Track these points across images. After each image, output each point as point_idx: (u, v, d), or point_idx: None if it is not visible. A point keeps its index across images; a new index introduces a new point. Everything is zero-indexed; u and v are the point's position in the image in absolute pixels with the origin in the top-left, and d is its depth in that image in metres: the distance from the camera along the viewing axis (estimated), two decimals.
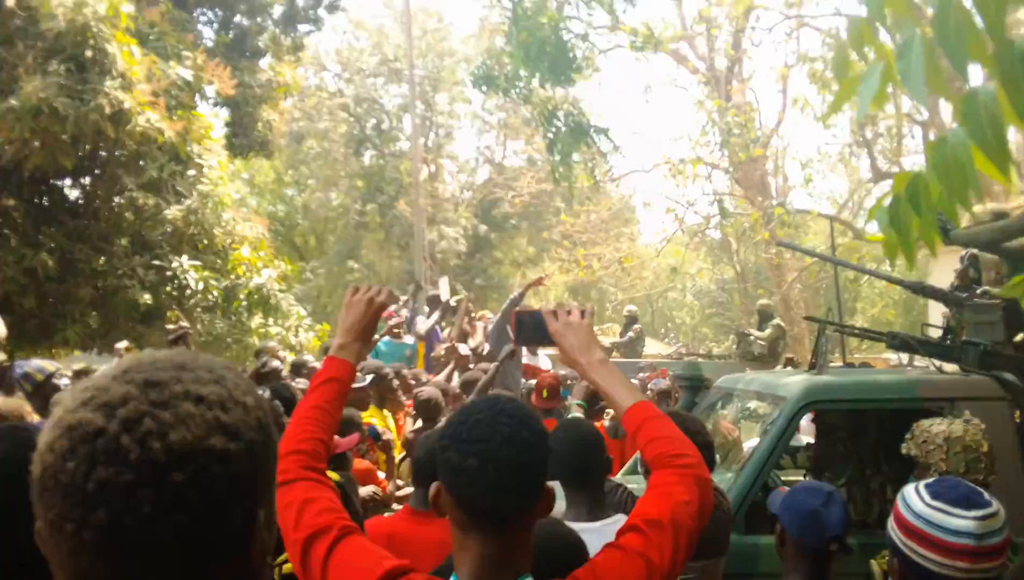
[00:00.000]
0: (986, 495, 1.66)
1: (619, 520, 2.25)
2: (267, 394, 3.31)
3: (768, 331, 10.48)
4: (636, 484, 4.39)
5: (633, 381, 6.50)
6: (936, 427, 2.73)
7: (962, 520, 1.59)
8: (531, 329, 1.69)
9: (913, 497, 1.68)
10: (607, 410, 4.80)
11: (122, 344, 6.71)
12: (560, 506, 2.39)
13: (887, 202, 1.06)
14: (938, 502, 1.62)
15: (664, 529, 1.33)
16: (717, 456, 4.34)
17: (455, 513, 1.29)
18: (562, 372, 5.86)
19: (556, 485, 2.11)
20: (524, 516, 1.30)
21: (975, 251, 4.01)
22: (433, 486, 1.34)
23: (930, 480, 1.73)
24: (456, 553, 1.31)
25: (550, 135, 9.89)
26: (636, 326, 11.70)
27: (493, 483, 1.24)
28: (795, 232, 18.10)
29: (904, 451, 2.81)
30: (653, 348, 15.69)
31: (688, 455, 1.45)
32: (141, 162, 8.94)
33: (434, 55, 20.65)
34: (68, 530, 0.67)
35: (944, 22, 0.85)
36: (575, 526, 1.97)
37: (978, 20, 0.84)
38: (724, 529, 2.48)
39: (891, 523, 1.71)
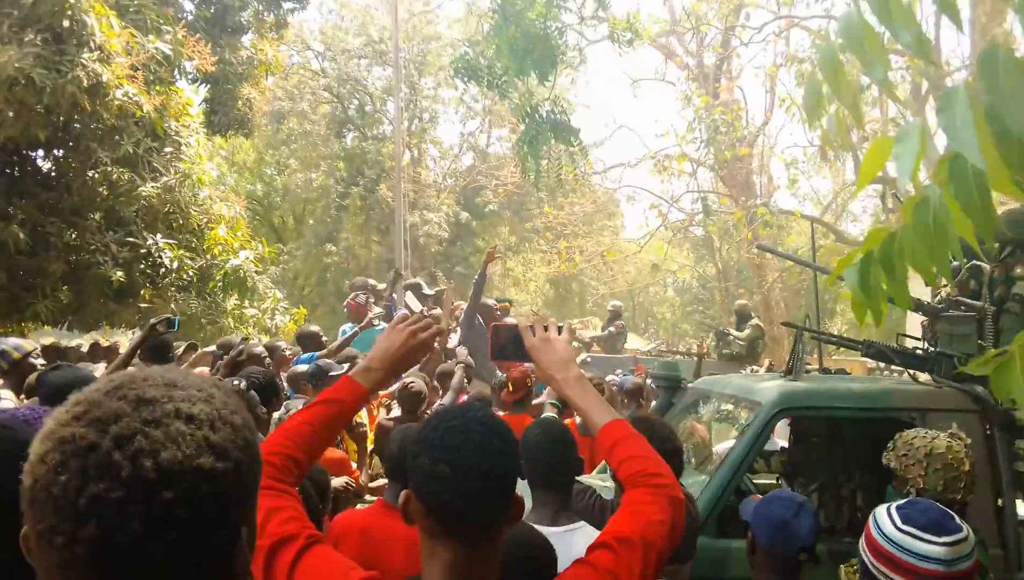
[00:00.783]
0: (957, 520, 1.65)
1: (580, 527, 2.23)
2: (242, 384, 3.24)
3: (747, 331, 10.54)
4: (608, 483, 4.40)
5: (612, 377, 6.50)
6: (919, 441, 2.69)
7: (932, 546, 1.58)
8: (508, 344, 1.67)
9: (884, 520, 1.67)
10: None
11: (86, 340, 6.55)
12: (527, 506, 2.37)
13: (857, 258, 1.02)
14: (908, 526, 1.61)
15: (635, 547, 1.32)
16: (693, 459, 4.35)
17: (424, 521, 1.28)
18: None
19: (523, 486, 2.08)
20: (493, 525, 1.28)
21: (976, 262, 4.01)
22: (403, 494, 1.32)
23: (902, 502, 1.72)
24: (424, 561, 1.30)
25: (522, 129, 9.83)
26: (619, 321, 11.72)
27: (464, 491, 1.23)
28: (778, 232, 18.23)
29: (884, 461, 2.79)
30: (633, 343, 15.74)
31: (663, 475, 1.44)
32: (117, 137, 8.74)
33: (420, 38, 20.44)
34: (58, 543, 0.68)
35: (992, 75, 0.80)
36: (541, 530, 1.94)
37: None
38: (691, 535, 2.46)
39: (862, 544, 1.70)
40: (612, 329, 11.44)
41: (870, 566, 1.65)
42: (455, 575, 1.25)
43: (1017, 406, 2.86)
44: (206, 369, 4.50)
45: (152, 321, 4.39)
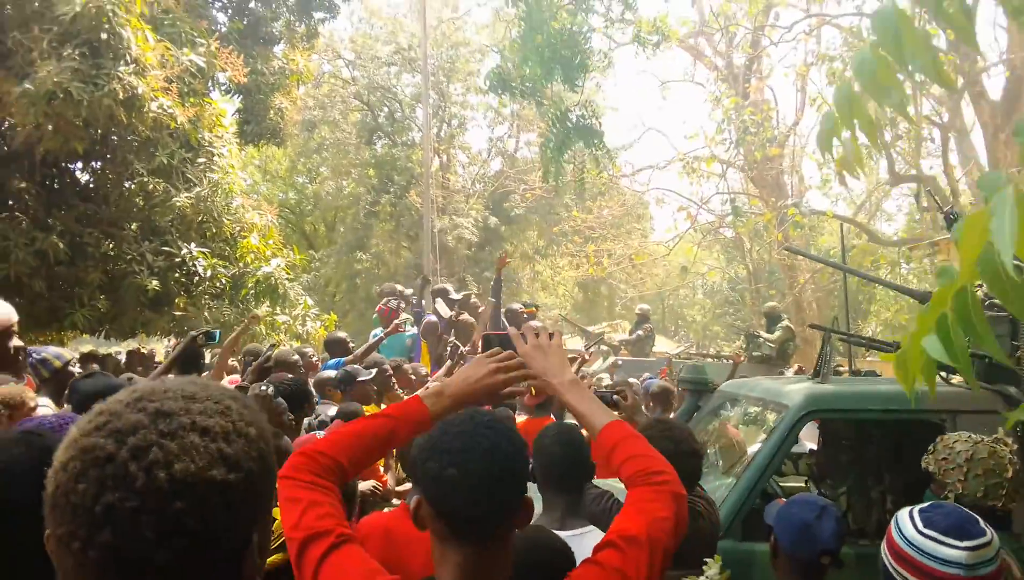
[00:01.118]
0: (981, 524, 1.62)
1: (590, 531, 2.23)
2: (269, 389, 3.30)
3: (777, 333, 10.41)
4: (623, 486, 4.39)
5: (633, 380, 6.46)
6: (960, 445, 2.61)
7: (953, 550, 1.56)
8: (499, 347, 1.67)
9: (906, 523, 1.65)
10: None
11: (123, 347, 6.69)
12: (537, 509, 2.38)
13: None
14: (930, 530, 1.59)
15: (641, 546, 1.33)
16: (720, 461, 4.32)
17: (435, 524, 1.30)
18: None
19: (532, 489, 2.09)
20: (503, 527, 1.31)
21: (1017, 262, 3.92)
22: (413, 499, 1.34)
23: (925, 505, 1.70)
24: (436, 565, 1.32)
25: (551, 135, 9.80)
26: (647, 325, 11.66)
27: (472, 493, 1.25)
28: (810, 233, 17.98)
29: (923, 465, 2.73)
30: (663, 346, 15.64)
31: (664, 472, 1.45)
32: (152, 149, 8.95)
33: (448, 45, 20.57)
34: (75, 547, 0.72)
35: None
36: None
37: None
38: (708, 540, 2.45)
39: (884, 547, 1.68)
40: (640, 332, 11.38)
41: (890, 568, 1.63)
42: (465, 576, 1.27)
43: None
44: (236, 376, 4.57)
45: (193, 333, 4.49)
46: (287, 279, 9.77)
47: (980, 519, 1.64)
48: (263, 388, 3.21)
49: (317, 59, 19.26)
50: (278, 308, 9.71)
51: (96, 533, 0.71)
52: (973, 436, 2.71)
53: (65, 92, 7.68)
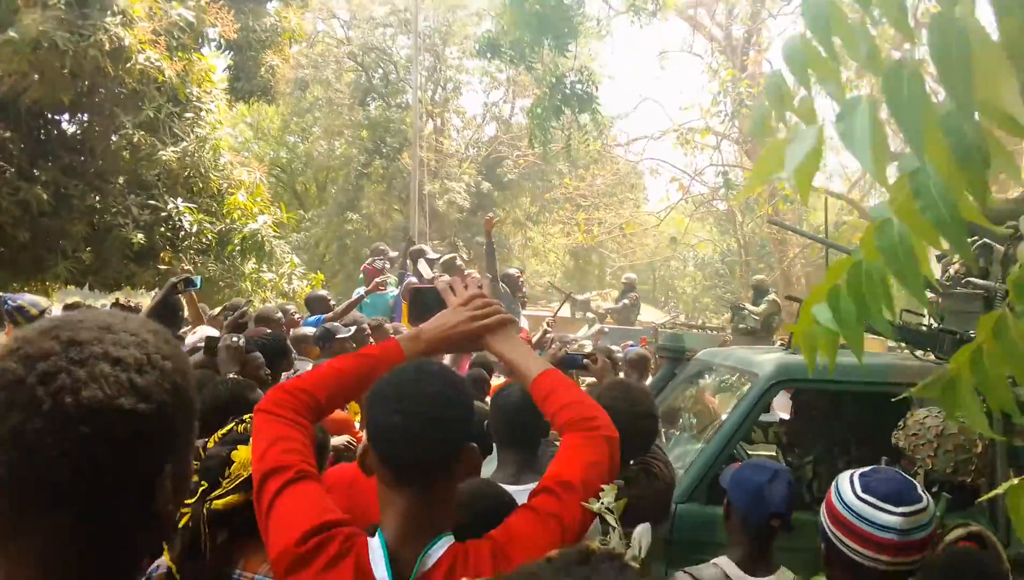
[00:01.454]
0: (918, 490, 1.66)
1: None
2: (241, 341, 3.30)
3: (763, 306, 10.47)
4: None
5: (615, 348, 6.49)
6: (930, 421, 2.61)
7: (889, 515, 1.59)
8: (432, 305, 1.66)
9: (846, 487, 1.68)
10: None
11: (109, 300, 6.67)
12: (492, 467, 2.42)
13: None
14: (868, 495, 1.62)
15: (575, 491, 1.35)
16: (695, 427, 4.38)
17: (379, 470, 1.32)
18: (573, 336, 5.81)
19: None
20: (446, 474, 1.33)
21: (985, 240, 3.93)
22: (360, 445, 1.36)
23: (865, 470, 1.73)
24: (381, 511, 1.35)
25: (546, 102, 9.70)
26: (632, 294, 11.70)
27: (415, 439, 1.27)
28: (802, 208, 17.94)
29: (894, 441, 2.73)
30: (652, 316, 15.70)
31: (597, 418, 1.47)
32: (139, 102, 8.84)
33: (446, 8, 20.27)
34: None
35: (897, 88, 0.75)
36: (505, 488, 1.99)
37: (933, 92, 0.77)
38: (663, 499, 2.49)
39: (823, 509, 1.72)
40: (626, 301, 11.43)
41: (828, 531, 1.67)
42: (408, 521, 1.29)
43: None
44: (209, 329, 4.59)
45: (173, 280, 4.49)
46: (274, 237, 9.73)
47: (919, 485, 1.68)
48: (234, 339, 3.22)
49: (311, 17, 18.98)
50: (264, 265, 9.69)
51: (2, 453, 0.74)
52: (942, 412, 2.71)
53: (50, 41, 7.57)
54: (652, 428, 2.45)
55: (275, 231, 9.85)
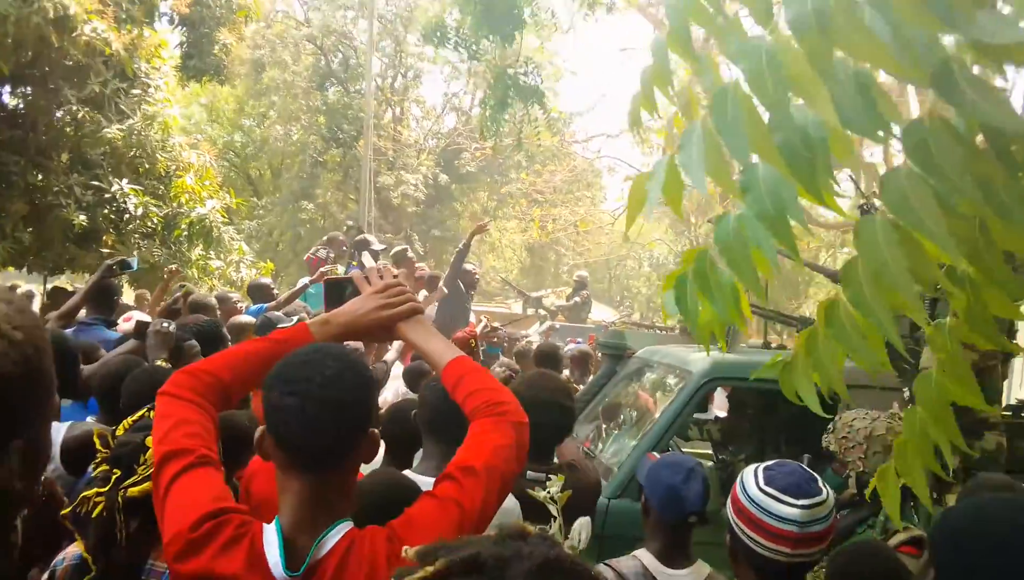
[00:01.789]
0: (819, 483, 1.71)
1: None
2: (171, 327, 3.24)
3: None
4: None
5: (568, 347, 6.54)
6: (858, 422, 2.65)
7: (789, 508, 1.63)
8: (344, 295, 1.67)
9: (749, 479, 1.72)
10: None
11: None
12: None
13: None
14: (770, 487, 1.67)
15: (478, 475, 1.36)
16: (631, 421, 4.43)
17: (276, 454, 1.31)
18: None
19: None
20: (343, 458, 1.31)
21: None
22: (259, 430, 1.35)
23: (770, 463, 1.77)
24: (278, 495, 1.33)
25: (500, 92, 9.68)
26: (584, 291, 11.76)
27: (310, 422, 1.26)
28: None
29: (824, 444, 2.78)
30: (606, 315, 15.81)
31: (504, 403, 1.49)
32: (84, 76, 8.57)
33: None
34: None
35: (722, 110, 0.80)
36: (420, 478, 1.99)
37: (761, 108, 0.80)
38: (587, 495, 2.53)
39: (728, 502, 1.76)
40: (578, 299, 11.49)
41: (734, 524, 1.71)
42: (303, 507, 1.28)
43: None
44: (141, 315, 4.48)
45: (108, 262, 4.36)
46: (222, 223, 9.54)
47: (819, 478, 1.73)
48: (164, 324, 3.15)
49: None
50: (212, 252, 9.50)
51: None
52: (871, 413, 2.77)
53: None
54: (567, 417, 2.49)
55: (223, 216, 9.66)
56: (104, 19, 8.22)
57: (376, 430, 1.38)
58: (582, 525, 2.21)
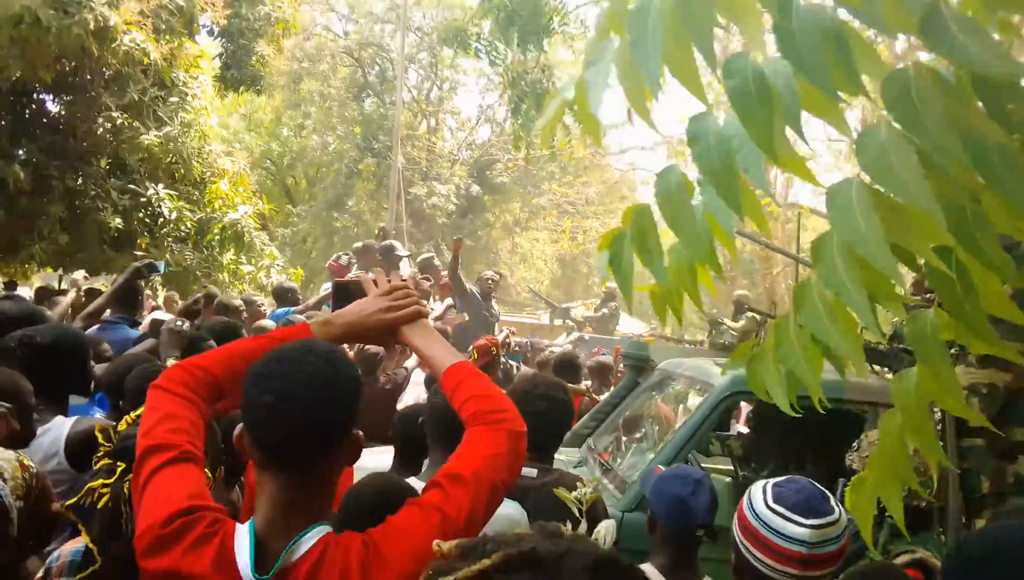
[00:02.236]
0: (831, 501, 1.62)
1: None
2: (184, 325, 3.25)
3: (742, 322, 10.44)
4: (565, 457, 4.40)
5: (592, 359, 6.47)
6: None
7: (798, 527, 1.55)
8: (351, 297, 1.65)
9: (757, 496, 1.64)
10: None
11: (79, 274, 6.64)
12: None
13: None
14: (778, 506, 1.58)
15: (465, 483, 1.31)
16: (651, 434, 4.34)
17: (253, 452, 1.28)
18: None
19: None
20: (321, 459, 1.27)
21: None
22: (238, 427, 1.31)
23: (780, 479, 1.69)
24: (256, 495, 1.29)
25: (515, 100, 9.64)
26: (612, 303, 11.66)
27: (287, 421, 1.22)
28: (785, 225, 17.99)
29: (848, 463, 2.70)
30: (634, 327, 15.65)
31: (501, 411, 1.44)
32: (124, 84, 8.77)
33: (444, 6, 20.24)
34: None
35: (641, 25, 0.70)
36: (422, 485, 1.94)
37: None
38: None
39: (735, 519, 1.67)
40: (606, 311, 11.39)
41: (739, 543, 1.63)
42: (278, 508, 1.24)
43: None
44: (160, 314, 4.51)
45: (136, 264, 4.42)
46: (254, 228, 9.66)
47: (831, 496, 1.64)
48: (178, 323, 3.16)
49: (309, 10, 18.90)
50: (243, 257, 9.61)
51: None
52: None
53: (33, 17, 7.49)
54: (562, 418, 2.45)
55: (256, 222, 9.78)
56: (143, 30, 8.40)
57: (360, 432, 1.33)
58: (607, 528, 2.16)
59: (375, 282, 1.64)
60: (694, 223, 0.78)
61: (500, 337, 5.10)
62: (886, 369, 3.80)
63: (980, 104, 0.65)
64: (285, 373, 1.24)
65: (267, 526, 1.23)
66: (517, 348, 6.24)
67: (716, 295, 0.96)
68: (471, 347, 4.90)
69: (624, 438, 4.36)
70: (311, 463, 1.26)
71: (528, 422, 2.63)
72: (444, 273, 7.41)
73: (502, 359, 5.82)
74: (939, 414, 3.52)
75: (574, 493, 2.23)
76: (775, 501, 1.59)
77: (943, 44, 0.60)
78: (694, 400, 3.82)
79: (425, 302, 5.81)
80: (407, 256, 7.49)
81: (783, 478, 1.70)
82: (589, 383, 5.56)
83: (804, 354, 0.83)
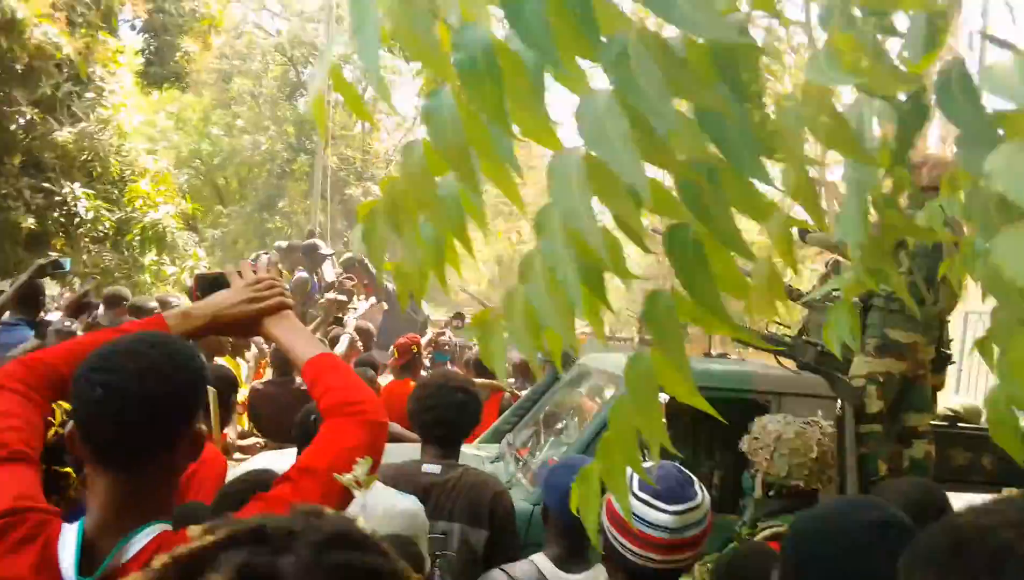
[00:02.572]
0: (695, 486, 1.65)
1: None
2: (74, 326, 3.13)
3: None
4: (485, 453, 4.41)
5: (513, 359, 6.50)
6: (772, 426, 2.65)
7: (661, 514, 1.58)
8: (214, 289, 1.61)
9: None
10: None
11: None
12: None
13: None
14: (644, 493, 1.61)
15: (316, 476, 1.29)
16: (570, 428, 4.38)
17: (83, 449, 1.21)
18: None
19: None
20: (155, 457, 1.22)
21: (838, 257, 4.05)
22: (69, 425, 1.26)
23: (647, 465, 1.71)
24: (87, 493, 1.24)
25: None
26: None
27: (117, 415, 1.16)
28: None
29: (741, 447, 2.78)
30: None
31: (360, 402, 1.40)
32: (36, 79, 8.44)
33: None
34: None
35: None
36: None
37: None
38: (484, 490, 2.49)
39: (602, 510, 1.69)
40: None
41: (607, 532, 1.65)
42: (108, 507, 1.18)
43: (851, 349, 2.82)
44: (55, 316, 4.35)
45: (40, 262, 4.23)
46: (177, 228, 9.41)
47: (696, 481, 1.67)
48: (66, 324, 3.04)
49: (239, 7, 18.53)
50: (166, 257, 9.35)
51: None
52: (787, 418, 2.76)
53: None
54: (472, 418, 2.46)
55: (178, 222, 9.52)
56: (56, 23, 8.11)
57: (202, 427, 1.29)
58: (359, 507, 2.16)
59: (239, 273, 1.59)
60: (434, 195, 0.77)
61: (425, 339, 5.09)
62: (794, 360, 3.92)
63: (713, 72, 0.64)
64: (117, 366, 1.17)
65: (97, 526, 1.17)
66: (447, 347, 6.22)
67: (461, 277, 0.93)
68: (391, 346, 4.88)
69: (543, 433, 4.39)
70: (144, 461, 1.20)
71: (449, 415, 2.63)
72: (372, 272, 7.33)
73: (428, 357, 5.81)
74: (839, 404, 3.65)
75: (347, 476, 2.21)
76: (640, 489, 1.62)
77: (661, 7, 0.59)
78: (610, 393, 3.87)
79: (347, 300, 5.73)
80: (331, 255, 7.38)
81: (648, 464, 1.73)
82: (513, 380, 5.58)
83: (527, 326, 0.80)
